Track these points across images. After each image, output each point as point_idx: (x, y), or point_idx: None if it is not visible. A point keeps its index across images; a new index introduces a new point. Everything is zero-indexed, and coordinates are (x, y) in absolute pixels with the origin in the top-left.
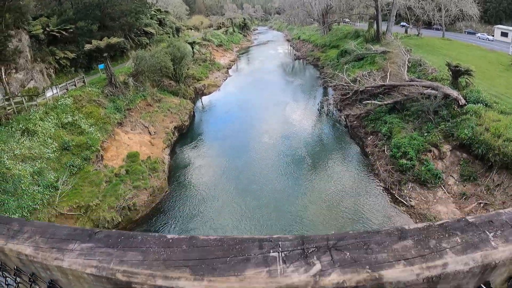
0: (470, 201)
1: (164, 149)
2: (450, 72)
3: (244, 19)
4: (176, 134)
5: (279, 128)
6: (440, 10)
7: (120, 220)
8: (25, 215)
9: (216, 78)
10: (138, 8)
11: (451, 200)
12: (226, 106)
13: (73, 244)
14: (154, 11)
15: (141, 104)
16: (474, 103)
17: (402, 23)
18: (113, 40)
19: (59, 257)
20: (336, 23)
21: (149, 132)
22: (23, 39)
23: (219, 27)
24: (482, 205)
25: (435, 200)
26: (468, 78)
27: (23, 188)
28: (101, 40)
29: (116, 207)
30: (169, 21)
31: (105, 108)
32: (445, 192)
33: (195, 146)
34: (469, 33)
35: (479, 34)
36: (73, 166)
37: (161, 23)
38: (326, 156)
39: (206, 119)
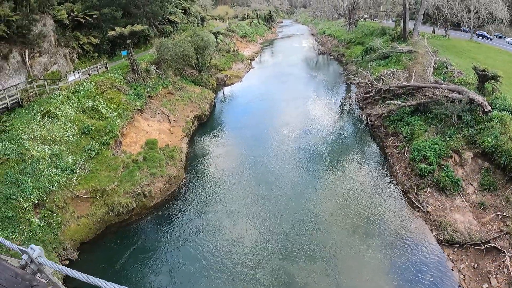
0: (488, 212)
1: (183, 137)
2: (477, 77)
3: (270, 11)
4: (196, 123)
5: (299, 122)
6: (469, 11)
7: (134, 205)
8: (42, 196)
9: (239, 69)
10: None
11: (469, 209)
12: (247, 97)
13: None
14: (179, 0)
15: (162, 92)
16: (500, 110)
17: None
18: (137, 27)
19: None
20: (362, 20)
21: (169, 120)
22: (48, 24)
23: (244, 18)
24: (500, 217)
25: (452, 208)
26: (495, 83)
27: (41, 169)
28: (125, 27)
29: (132, 193)
30: (194, 10)
31: (126, 95)
32: (463, 201)
33: (214, 136)
34: (498, 37)
35: (508, 39)
36: (91, 150)
37: (186, 12)
38: (344, 154)
39: (227, 110)
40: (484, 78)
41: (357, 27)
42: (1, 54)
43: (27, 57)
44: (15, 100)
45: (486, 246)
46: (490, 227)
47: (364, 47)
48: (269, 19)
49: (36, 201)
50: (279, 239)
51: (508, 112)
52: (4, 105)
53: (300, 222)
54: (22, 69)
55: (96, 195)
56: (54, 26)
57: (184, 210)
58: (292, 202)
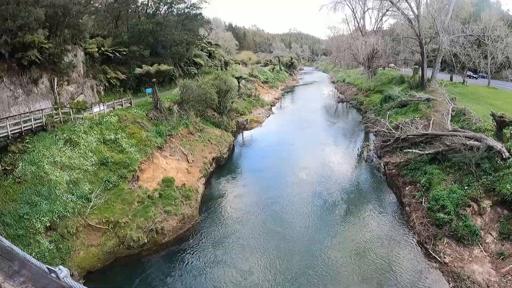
0: (508, 262)
1: (200, 178)
2: (495, 123)
3: (291, 58)
4: (214, 165)
5: (317, 168)
6: (486, 57)
7: (146, 241)
8: (55, 220)
9: (259, 114)
10: (190, 39)
11: (488, 259)
12: (266, 142)
13: None
14: (205, 43)
15: (182, 131)
16: None
17: (469, 73)
18: (163, 67)
19: None
20: (381, 68)
21: (187, 160)
22: (78, 55)
23: (266, 64)
24: None
25: (470, 259)
26: None
27: (57, 194)
28: (151, 65)
29: (144, 228)
30: (218, 54)
31: (148, 131)
32: (481, 251)
33: (231, 179)
34: None
35: None
36: (108, 181)
37: (210, 55)
38: (361, 202)
39: (245, 154)
40: (502, 124)
41: (376, 75)
42: (32, 78)
43: (55, 84)
44: (40, 124)
45: None
46: (510, 277)
47: (382, 95)
48: (290, 66)
49: (48, 224)
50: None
51: None
52: (29, 127)
53: (312, 266)
54: (50, 95)
55: (108, 226)
56: (84, 58)
57: (195, 250)
58: (305, 245)
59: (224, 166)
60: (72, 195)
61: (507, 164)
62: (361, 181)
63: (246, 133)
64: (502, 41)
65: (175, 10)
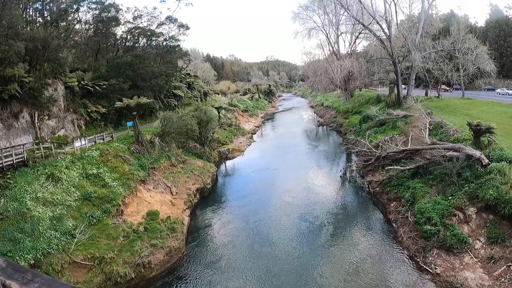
0: (499, 264)
1: (185, 210)
2: (472, 132)
3: (270, 85)
4: (198, 196)
5: (301, 191)
6: (458, 70)
7: (133, 276)
8: (39, 257)
9: (241, 143)
10: (169, 71)
11: (479, 265)
12: (249, 170)
13: None
14: (184, 75)
15: (165, 164)
16: (498, 161)
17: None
18: (143, 100)
19: None
20: (358, 89)
21: (171, 192)
22: (59, 89)
23: (245, 93)
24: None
25: (461, 266)
26: (490, 136)
27: (41, 230)
28: (131, 98)
29: (131, 263)
30: (197, 85)
31: (130, 165)
32: (472, 257)
33: (216, 209)
34: (488, 89)
35: (498, 90)
36: (92, 217)
37: (190, 86)
38: (347, 222)
39: (229, 183)
40: (478, 133)
41: (353, 97)
42: (12, 112)
43: (36, 118)
44: (21, 159)
45: None
46: (503, 279)
47: (361, 116)
48: (269, 93)
49: (32, 262)
50: None
51: (507, 161)
52: (10, 163)
53: (303, 285)
54: (31, 130)
55: (94, 262)
56: (65, 92)
57: (184, 281)
58: (295, 266)
59: (208, 197)
60: (56, 231)
61: (488, 170)
62: (346, 201)
63: (228, 163)
64: (472, 53)
65: (154, 42)
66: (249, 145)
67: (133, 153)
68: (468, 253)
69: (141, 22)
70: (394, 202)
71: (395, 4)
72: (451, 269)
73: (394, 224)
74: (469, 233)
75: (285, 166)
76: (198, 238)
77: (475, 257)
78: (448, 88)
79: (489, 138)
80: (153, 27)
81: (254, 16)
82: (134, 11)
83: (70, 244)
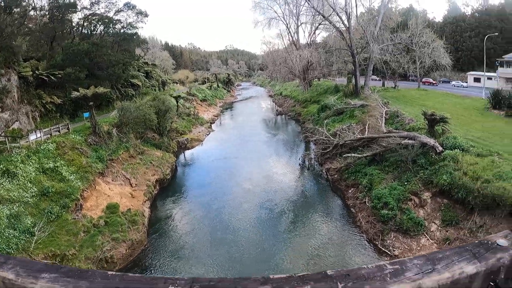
0: (454, 245)
1: (145, 201)
2: (426, 121)
3: (228, 74)
4: (158, 187)
5: (261, 179)
6: (414, 62)
7: None
8: None
9: (199, 132)
10: (126, 59)
11: (435, 246)
12: (208, 159)
13: (44, 273)
14: (142, 64)
15: (123, 155)
16: (451, 149)
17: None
18: (100, 90)
19: (33, 281)
20: (316, 79)
21: (130, 184)
22: (12, 79)
23: (203, 82)
24: None
25: (418, 248)
26: (444, 125)
27: None
28: (88, 88)
29: (93, 259)
30: (155, 74)
31: (88, 157)
32: (428, 239)
33: (176, 199)
34: (443, 81)
35: (453, 82)
36: (51, 213)
37: (147, 75)
38: (308, 209)
39: (189, 173)
40: (433, 122)
41: (312, 87)
42: None
43: None
44: None
45: None
46: None
47: (319, 105)
48: (228, 83)
49: None
50: None
51: (459, 149)
52: None
53: (265, 270)
54: None
55: (55, 260)
56: (18, 82)
57: (148, 273)
58: (257, 251)
59: (168, 187)
60: (15, 230)
61: (442, 158)
62: (305, 188)
63: (187, 153)
64: (429, 46)
65: (111, 30)
66: (208, 135)
67: (90, 145)
68: (424, 235)
69: (99, 9)
70: (352, 188)
71: None
72: (408, 251)
73: (352, 210)
74: (424, 216)
75: (244, 155)
76: (160, 229)
77: (431, 239)
78: (434, 82)
79: (443, 127)
80: (110, 14)
81: (214, 1)
82: None
83: (30, 242)
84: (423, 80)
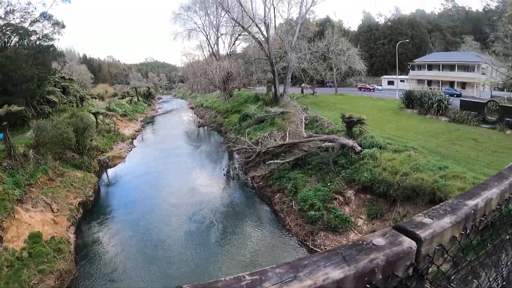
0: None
1: (69, 227)
2: (344, 124)
3: (149, 88)
4: (81, 210)
5: (187, 192)
6: (331, 69)
7: None
8: None
9: (121, 149)
10: (42, 74)
11: None
12: (132, 176)
13: None
14: (58, 78)
15: (42, 178)
16: (370, 148)
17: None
18: (14, 108)
19: None
20: (237, 89)
21: (52, 210)
22: None
23: (123, 96)
24: None
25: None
26: (361, 126)
27: None
28: (1, 106)
29: None
30: (73, 89)
31: (4, 183)
32: (356, 233)
33: (102, 221)
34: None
35: (369, 86)
36: None
37: (64, 91)
38: (236, 219)
39: (113, 192)
40: (351, 124)
41: (232, 97)
42: None
43: None
44: None
45: None
46: None
47: (240, 115)
48: (148, 96)
49: None
50: None
51: (377, 147)
52: None
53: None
54: None
55: None
56: None
57: None
58: (190, 265)
59: (92, 209)
60: None
61: (361, 156)
62: (232, 198)
63: (110, 171)
64: (344, 54)
65: (26, 42)
66: (130, 151)
67: (6, 170)
68: (352, 230)
69: (14, 19)
70: (278, 194)
71: (274, 8)
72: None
73: (281, 214)
74: (350, 213)
75: (169, 170)
76: (89, 255)
77: (359, 233)
78: (371, 88)
79: (360, 128)
80: (26, 24)
81: (133, 12)
82: (7, 5)
83: None
84: (359, 86)
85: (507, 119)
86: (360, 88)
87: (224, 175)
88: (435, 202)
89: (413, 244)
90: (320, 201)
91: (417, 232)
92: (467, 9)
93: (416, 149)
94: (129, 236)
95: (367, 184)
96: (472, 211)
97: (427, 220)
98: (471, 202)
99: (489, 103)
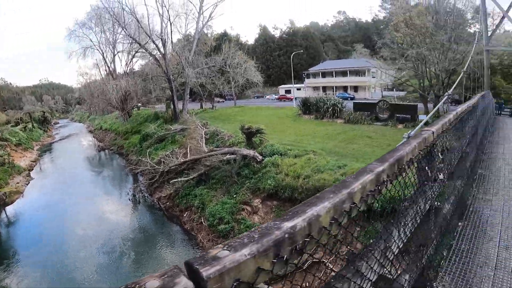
0: None
1: None
2: (244, 135)
3: (44, 112)
4: None
5: (94, 225)
6: (229, 82)
7: None
8: None
9: (18, 183)
10: None
11: None
12: (33, 212)
13: None
14: None
15: None
16: (270, 156)
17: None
18: None
19: None
20: (136, 108)
21: None
22: None
23: (17, 123)
24: None
25: None
26: (261, 136)
27: None
28: None
29: None
30: None
31: None
32: None
33: (6, 267)
34: (258, 97)
35: (267, 96)
36: None
37: None
38: (148, 243)
39: (13, 232)
40: (250, 134)
41: (132, 117)
42: None
43: None
44: None
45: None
46: None
47: (141, 135)
48: (44, 121)
49: None
50: None
51: (278, 154)
52: None
53: None
54: None
55: None
56: None
57: None
58: None
59: None
60: None
61: (263, 165)
62: (141, 222)
63: (8, 209)
64: (241, 67)
65: None
66: (27, 184)
67: None
68: None
69: None
70: (187, 212)
71: (171, 24)
72: None
73: (192, 232)
74: (260, 220)
75: (72, 200)
76: None
77: None
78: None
79: (260, 138)
80: None
81: (25, 29)
82: None
83: None
84: (279, 96)
85: (397, 115)
86: (279, 99)
87: (129, 199)
88: None
89: (190, 285)
90: (229, 213)
91: (201, 270)
92: (357, 20)
93: (316, 152)
94: (39, 278)
95: (272, 191)
96: (287, 235)
97: (223, 252)
98: (287, 225)
99: (380, 103)
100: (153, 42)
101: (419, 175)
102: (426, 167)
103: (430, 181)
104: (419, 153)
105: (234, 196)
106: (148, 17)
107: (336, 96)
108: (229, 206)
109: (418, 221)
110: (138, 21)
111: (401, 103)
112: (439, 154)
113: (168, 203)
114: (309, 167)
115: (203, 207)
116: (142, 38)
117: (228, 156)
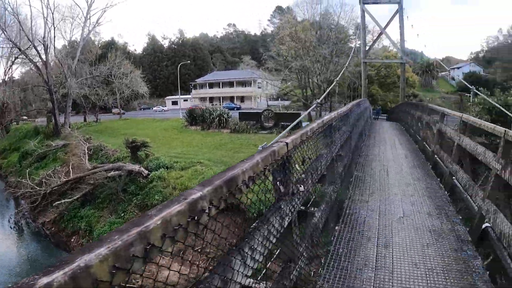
0: None
1: None
2: (129, 149)
3: None
4: None
5: None
6: (114, 93)
7: None
8: None
9: None
10: None
11: None
12: None
13: None
14: None
15: None
16: (156, 170)
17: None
18: None
19: None
20: (14, 123)
21: None
22: None
23: None
24: None
25: None
26: (146, 149)
27: None
28: None
29: None
30: None
31: None
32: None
33: None
34: (144, 108)
35: (155, 108)
36: None
37: None
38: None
39: None
40: (135, 148)
41: (10, 132)
42: None
43: None
44: None
45: None
46: None
47: (20, 153)
48: None
49: None
50: None
51: (164, 168)
52: None
53: None
54: None
55: None
56: None
57: None
58: None
59: None
60: None
61: (150, 180)
62: (27, 252)
63: None
64: (127, 77)
65: None
66: None
67: None
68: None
69: None
70: (74, 237)
71: (55, 28)
72: None
73: None
74: None
75: None
76: None
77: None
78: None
79: (146, 152)
80: None
81: None
82: None
83: None
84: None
85: (281, 123)
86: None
87: (12, 227)
88: (227, 207)
89: None
90: None
91: None
92: (246, 33)
93: (203, 163)
94: None
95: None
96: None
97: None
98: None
99: (264, 112)
100: (34, 47)
101: (275, 192)
102: (278, 183)
103: (287, 195)
104: (265, 168)
105: (122, 214)
106: (31, 19)
107: (223, 106)
108: (118, 226)
109: (274, 241)
110: (20, 22)
111: (285, 111)
112: (296, 165)
113: (53, 228)
114: (196, 178)
115: (91, 229)
116: (24, 43)
117: (113, 173)
